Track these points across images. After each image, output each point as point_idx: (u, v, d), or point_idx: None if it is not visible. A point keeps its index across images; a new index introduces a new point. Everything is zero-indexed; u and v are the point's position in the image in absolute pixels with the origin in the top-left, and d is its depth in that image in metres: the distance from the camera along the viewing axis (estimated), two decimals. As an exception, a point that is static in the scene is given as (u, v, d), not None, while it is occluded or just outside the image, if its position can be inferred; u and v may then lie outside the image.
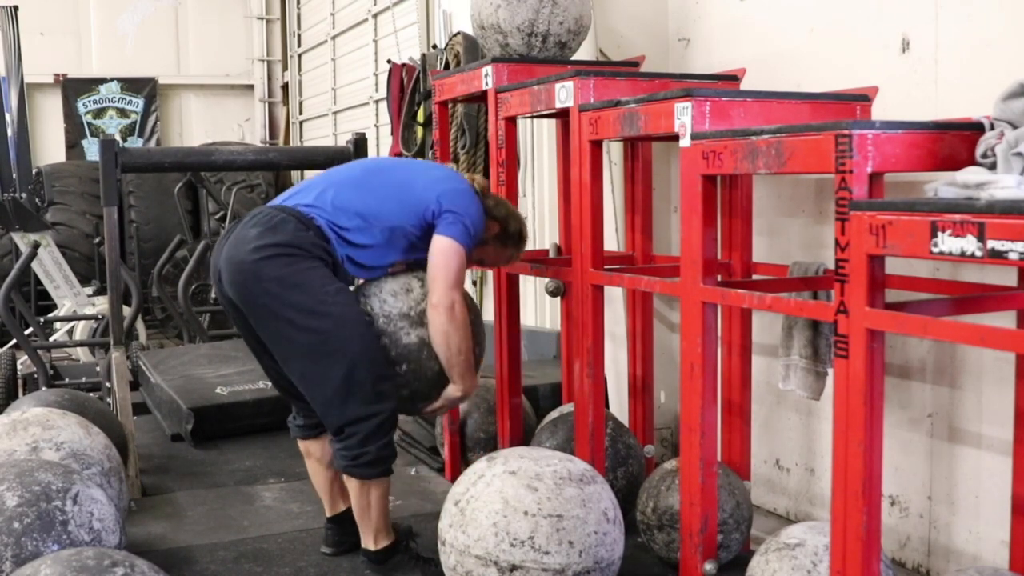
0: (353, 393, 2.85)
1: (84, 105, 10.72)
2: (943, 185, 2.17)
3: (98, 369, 5.79)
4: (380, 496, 2.98)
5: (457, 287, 2.94)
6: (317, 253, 2.89)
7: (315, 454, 3.21)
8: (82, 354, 7.11)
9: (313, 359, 2.86)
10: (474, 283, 6.13)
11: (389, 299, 3.00)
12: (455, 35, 4.98)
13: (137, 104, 10.88)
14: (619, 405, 4.10)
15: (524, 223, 3.26)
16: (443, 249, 2.94)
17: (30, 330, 6.59)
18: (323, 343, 2.83)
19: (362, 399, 2.86)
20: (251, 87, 11.29)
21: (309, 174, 10.17)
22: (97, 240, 7.79)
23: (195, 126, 11.15)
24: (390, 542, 3.05)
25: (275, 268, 2.83)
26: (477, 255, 3.17)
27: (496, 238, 3.19)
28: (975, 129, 2.37)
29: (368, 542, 3.04)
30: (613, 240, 4.14)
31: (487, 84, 3.63)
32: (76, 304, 7.38)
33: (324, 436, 3.14)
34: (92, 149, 10.43)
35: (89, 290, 7.73)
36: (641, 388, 3.83)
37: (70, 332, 7.32)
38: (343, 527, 3.23)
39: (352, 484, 2.98)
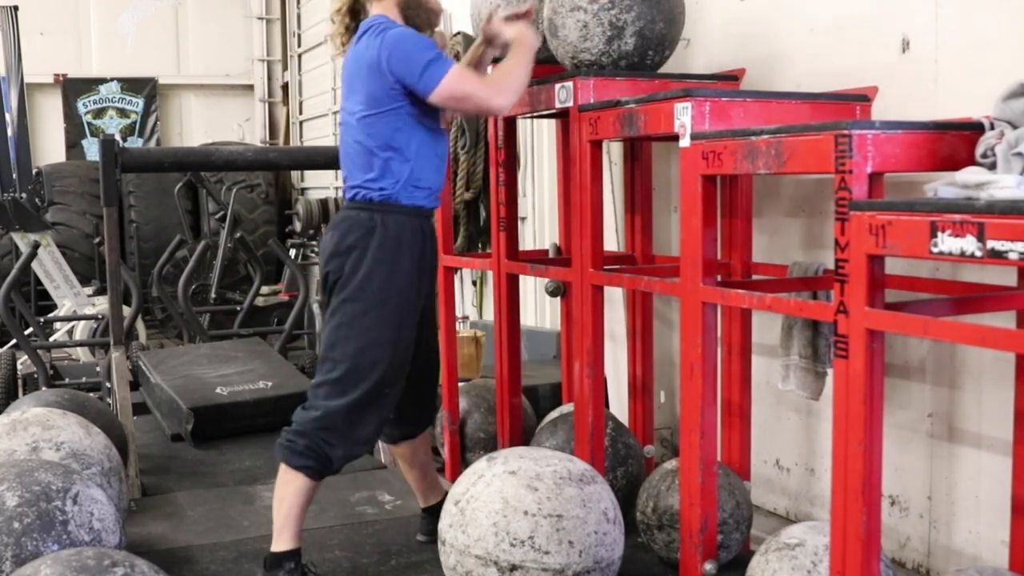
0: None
1: (84, 105, 10.72)
2: (943, 185, 2.17)
3: (98, 369, 5.78)
4: (295, 493, 2.87)
5: (475, 83, 2.91)
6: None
7: (398, 454, 3.35)
8: (82, 354, 7.10)
9: None
10: (474, 283, 6.13)
11: None
12: (455, 35, 4.97)
13: (137, 104, 10.87)
14: (619, 405, 4.10)
15: None
16: (447, 92, 2.83)
17: (30, 330, 6.59)
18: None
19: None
20: (251, 87, 11.28)
21: (309, 174, 10.23)
22: (97, 240, 7.77)
23: (195, 126, 11.14)
24: (288, 549, 2.88)
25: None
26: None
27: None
28: (975, 129, 2.37)
29: (274, 543, 2.91)
30: (613, 240, 4.14)
31: (487, 84, 3.62)
32: (76, 304, 7.37)
33: (405, 441, 3.28)
34: (92, 149, 10.42)
35: (89, 290, 7.72)
36: (641, 388, 3.83)
37: (70, 332, 7.31)
38: (435, 518, 3.14)
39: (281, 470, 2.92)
